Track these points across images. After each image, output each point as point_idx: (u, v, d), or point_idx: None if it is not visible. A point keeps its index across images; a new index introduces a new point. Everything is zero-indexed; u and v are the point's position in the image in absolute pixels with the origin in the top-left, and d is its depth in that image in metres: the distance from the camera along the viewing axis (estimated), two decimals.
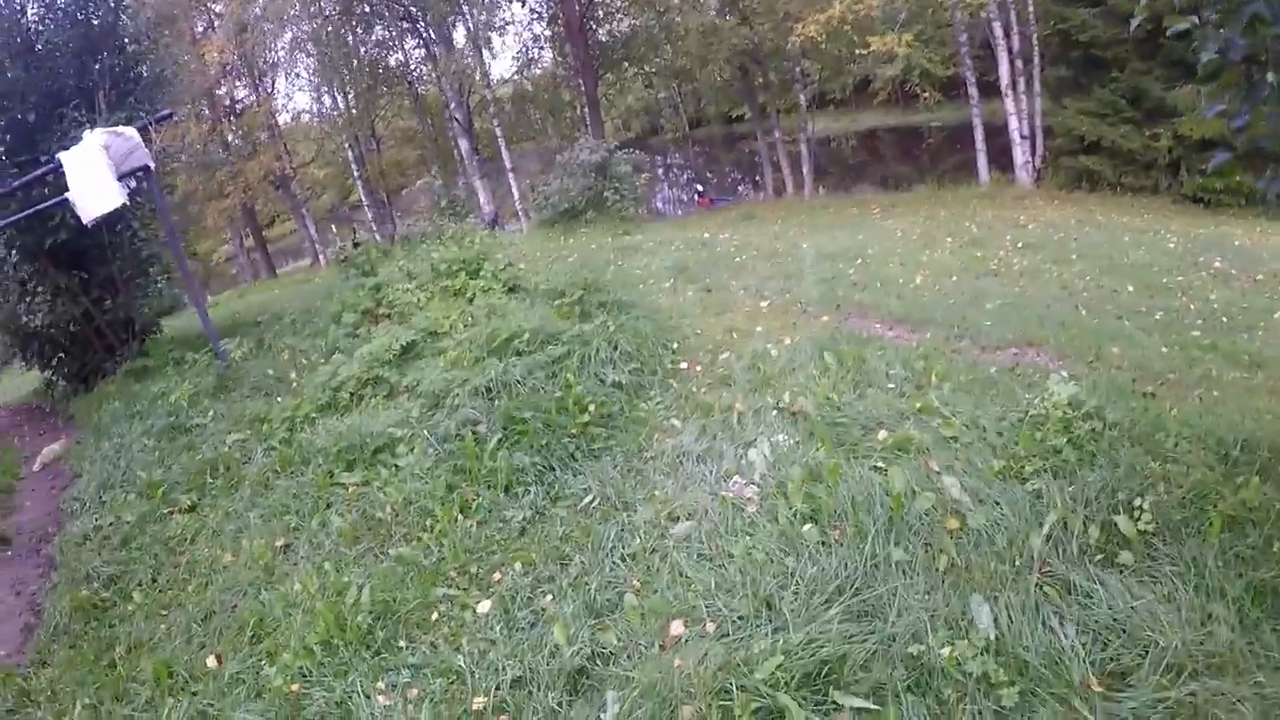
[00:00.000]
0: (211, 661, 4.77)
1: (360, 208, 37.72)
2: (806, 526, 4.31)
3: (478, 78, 28.88)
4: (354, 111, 32.10)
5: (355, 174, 34.83)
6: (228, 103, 33.81)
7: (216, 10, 32.35)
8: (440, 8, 26.70)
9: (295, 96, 44.95)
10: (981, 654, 3.33)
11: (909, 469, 4.56)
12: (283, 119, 35.52)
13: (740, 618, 3.83)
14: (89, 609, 5.88)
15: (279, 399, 8.47)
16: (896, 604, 3.70)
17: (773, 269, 11.54)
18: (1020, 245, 12.41)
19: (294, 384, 8.84)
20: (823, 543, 4.18)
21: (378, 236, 27.99)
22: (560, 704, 3.71)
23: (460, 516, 5.49)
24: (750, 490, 4.89)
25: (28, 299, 12.58)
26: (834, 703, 3.27)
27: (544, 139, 35.55)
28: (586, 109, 28.85)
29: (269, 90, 34.15)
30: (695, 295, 10.25)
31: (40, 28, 12.00)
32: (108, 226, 11.20)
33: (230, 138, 33.19)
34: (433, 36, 29.35)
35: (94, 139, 8.16)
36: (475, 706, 3.79)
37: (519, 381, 6.78)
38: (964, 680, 3.26)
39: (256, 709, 4.20)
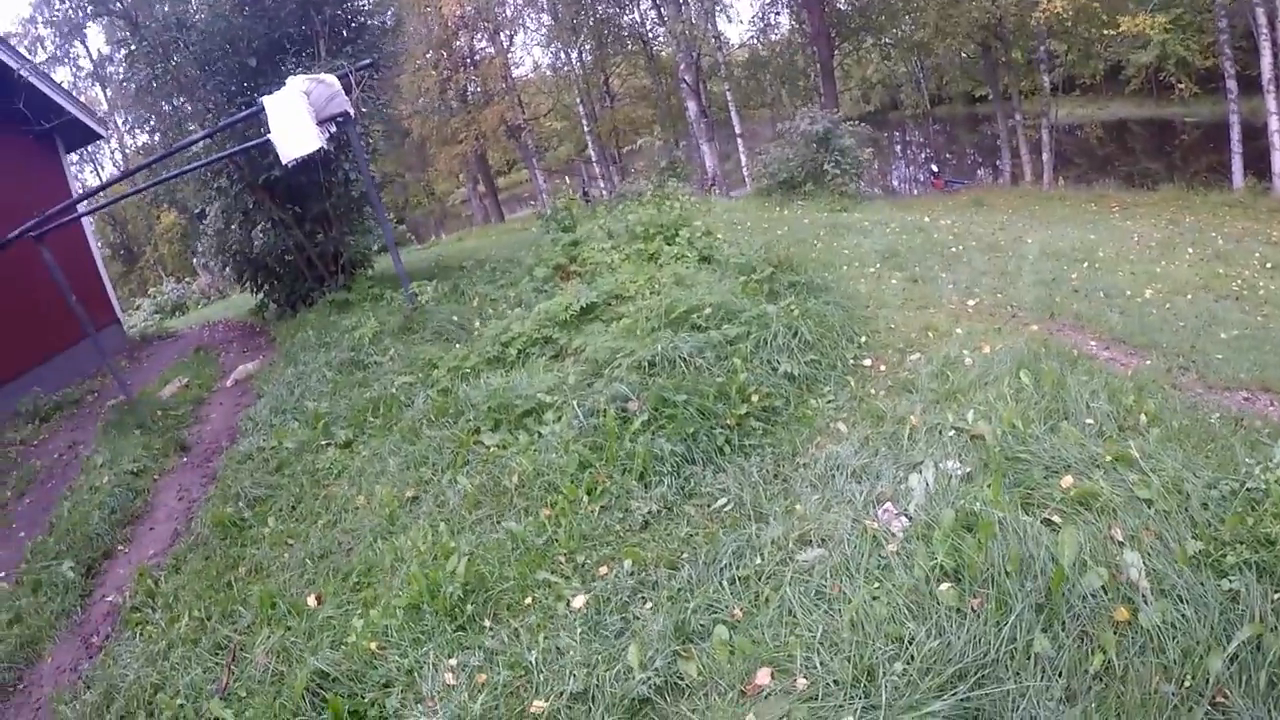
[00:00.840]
0: (312, 600, 4.90)
1: (590, 162, 38.59)
2: (944, 586, 3.65)
3: (709, 39, 28.71)
4: (587, 68, 32.73)
5: (586, 129, 35.69)
6: (466, 53, 35.29)
7: None
8: None
9: (533, 50, 46.46)
10: None
11: (1086, 533, 3.81)
12: (520, 71, 37.00)
13: (835, 682, 3.31)
14: (228, 526, 6.23)
15: (456, 345, 8.64)
16: (1022, 712, 3.05)
17: (989, 264, 10.67)
18: (1270, 266, 10.98)
19: (475, 333, 8.97)
20: (957, 610, 3.50)
21: (605, 192, 29.08)
22: None
23: (585, 498, 5.30)
24: (899, 523, 4.29)
25: (250, 227, 13.63)
26: None
27: (779, 106, 35.08)
28: (821, 78, 28.22)
29: (506, 43, 35.52)
30: (899, 284, 9.60)
31: None
32: (322, 166, 12.00)
33: (468, 87, 34.75)
34: None
35: (296, 84, 8.68)
36: (534, 709, 3.63)
37: (684, 359, 6.49)
38: None
39: (332, 658, 4.24)
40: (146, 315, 24.74)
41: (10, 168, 13.76)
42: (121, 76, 14.84)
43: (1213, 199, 18.91)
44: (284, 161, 8.78)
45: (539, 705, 3.64)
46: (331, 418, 7.62)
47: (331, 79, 9.06)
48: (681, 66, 29.11)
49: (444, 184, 43.42)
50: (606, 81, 36.05)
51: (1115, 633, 3.27)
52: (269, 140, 8.97)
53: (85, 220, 16.26)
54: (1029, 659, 3.25)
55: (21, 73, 13.08)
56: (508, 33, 35.26)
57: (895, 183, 35.17)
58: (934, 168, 33.41)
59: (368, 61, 10.92)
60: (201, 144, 11.42)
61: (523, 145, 36.10)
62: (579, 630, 4.07)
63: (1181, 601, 3.38)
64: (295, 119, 8.54)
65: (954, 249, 11.71)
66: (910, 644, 3.39)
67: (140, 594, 5.74)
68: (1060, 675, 3.18)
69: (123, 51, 13.27)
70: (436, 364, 8.14)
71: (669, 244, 9.85)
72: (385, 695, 3.99)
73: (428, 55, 30.30)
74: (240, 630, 4.88)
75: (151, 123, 14.59)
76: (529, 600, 4.48)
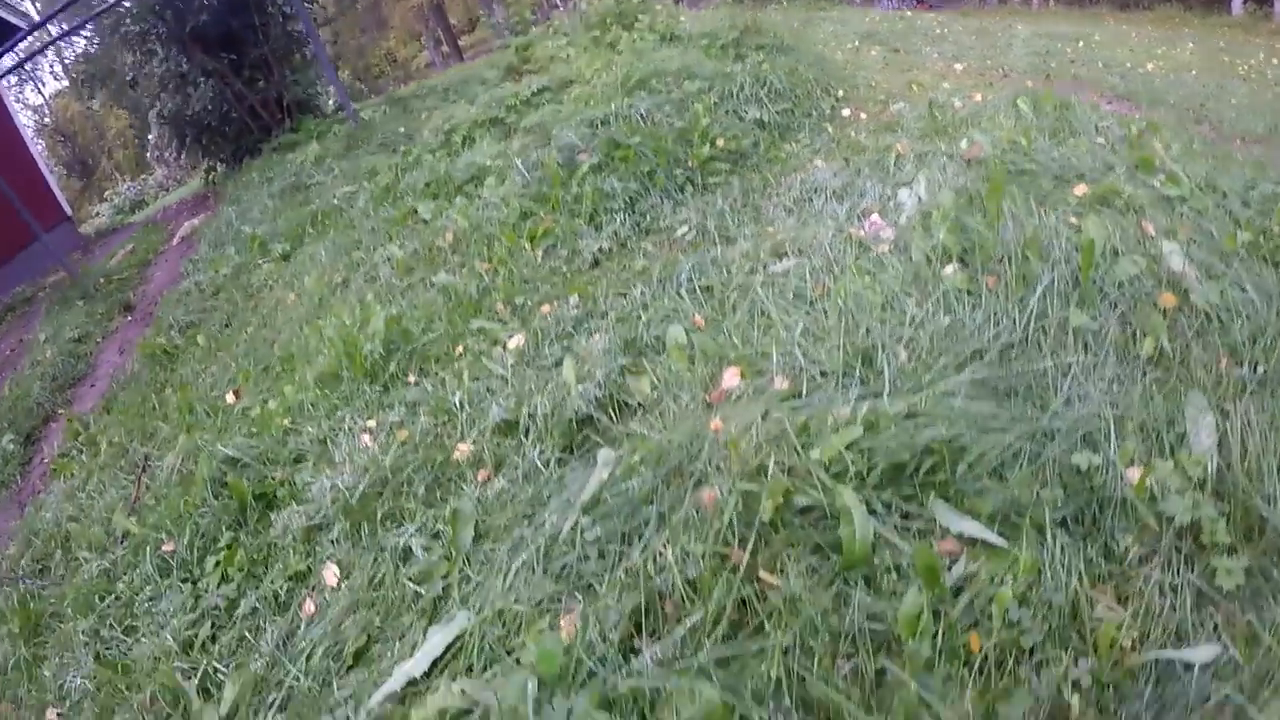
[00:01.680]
0: (230, 398, 4.34)
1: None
2: (949, 268, 2.98)
3: None
4: None
5: None
6: None
7: None
8: None
9: None
10: (1194, 489, 2.03)
11: (1113, 225, 3.02)
12: None
13: (823, 373, 2.67)
14: (158, 356, 5.70)
15: (397, 154, 7.94)
16: (1065, 389, 2.41)
17: (978, 41, 10.09)
18: (1278, 62, 10.06)
19: (416, 140, 8.26)
20: (968, 291, 2.86)
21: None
22: (548, 461, 2.88)
23: (528, 245, 4.68)
24: (888, 232, 3.51)
25: (186, 88, 12.65)
26: (930, 519, 2.07)
27: None
28: None
29: None
30: (879, 55, 9.01)
31: None
32: (256, 8, 11.04)
33: None
34: None
35: None
36: (457, 455, 3.06)
37: (641, 116, 5.84)
38: (1157, 526, 1.99)
39: (242, 445, 3.67)
40: (106, 217, 23.99)
41: None
42: None
43: (1211, 20, 17.88)
44: None
45: (463, 449, 3.08)
46: (268, 236, 7.01)
47: None
48: None
49: (405, 49, 41.49)
50: None
51: (1165, 317, 2.64)
52: None
53: (20, 124, 15.45)
54: (1068, 335, 2.61)
55: None
56: None
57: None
58: None
59: None
60: None
61: None
62: (510, 366, 3.49)
63: (1239, 289, 2.73)
64: None
65: (939, 31, 11.07)
66: (914, 325, 2.76)
67: (68, 441, 5.24)
68: (1109, 354, 2.55)
69: None
70: (377, 170, 7.46)
71: (626, 30, 9.06)
72: (296, 471, 3.43)
73: None
74: (158, 445, 4.35)
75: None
76: (460, 349, 3.87)
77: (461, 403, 3.31)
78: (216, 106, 12.44)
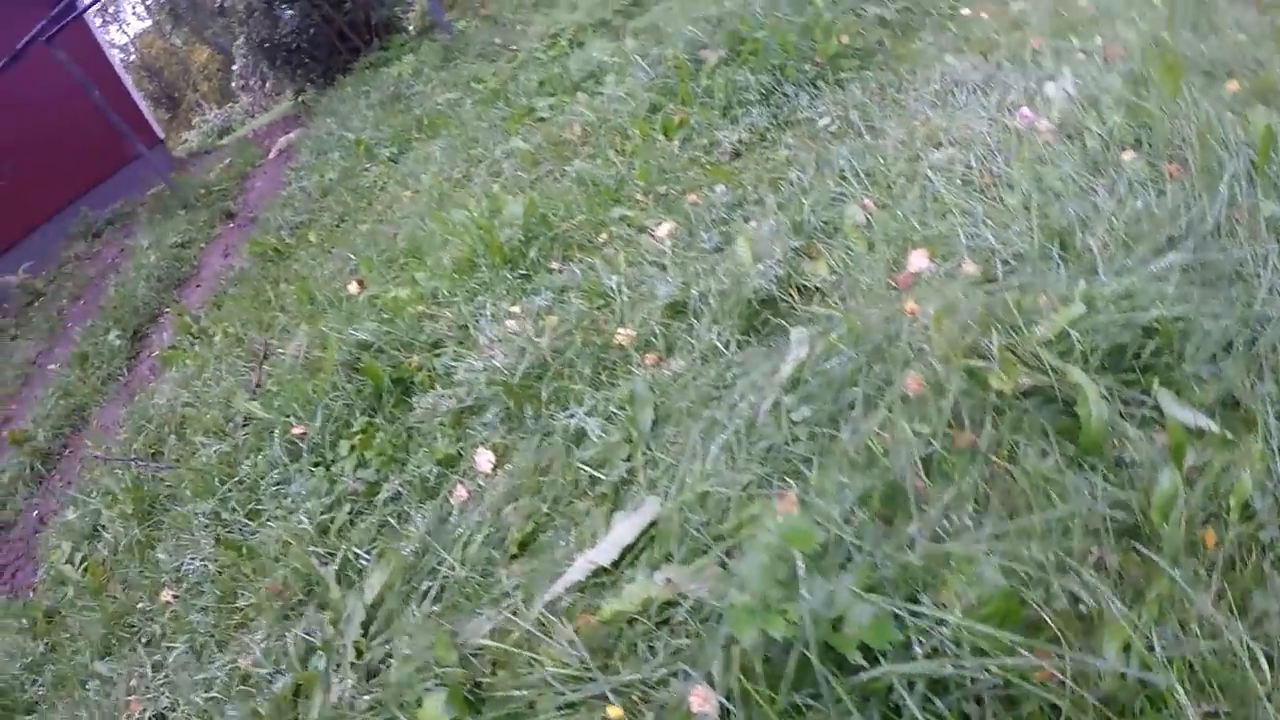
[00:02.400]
0: (353, 287, 4.10)
1: None
2: (1128, 154, 2.65)
3: None
4: None
5: None
6: None
7: None
8: None
9: None
10: None
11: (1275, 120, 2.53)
12: None
13: (1017, 256, 2.39)
14: (269, 253, 5.52)
15: (500, 62, 7.66)
16: (1268, 278, 2.07)
17: None
18: None
19: (515, 48, 7.95)
20: (1151, 180, 2.52)
21: None
22: (728, 342, 2.57)
23: (662, 137, 4.35)
24: (1044, 124, 3.13)
25: (272, 15, 12.58)
26: (1154, 406, 1.79)
27: None
28: None
29: None
30: None
31: None
32: None
33: None
34: None
35: None
36: (619, 339, 2.79)
37: (756, 11, 5.42)
38: None
39: (374, 329, 3.43)
40: (196, 142, 24.21)
41: None
42: None
43: None
44: None
45: (625, 333, 2.79)
46: (373, 141, 6.76)
47: None
48: None
49: None
50: None
51: None
52: None
53: (112, 56, 15.51)
54: (1260, 224, 2.24)
55: None
56: None
57: None
58: None
59: None
60: None
61: None
62: (669, 249, 3.17)
63: None
64: None
65: None
66: (1104, 214, 2.41)
67: (179, 333, 5.10)
68: None
69: None
70: (480, 77, 7.17)
71: None
72: (435, 356, 3.17)
73: None
74: (276, 334, 4.16)
75: None
76: (603, 237, 3.58)
77: (618, 286, 3.01)
78: (304, 30, 12.31)
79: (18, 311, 9.25)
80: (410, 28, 13.30)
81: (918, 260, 2.50)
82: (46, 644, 3.29)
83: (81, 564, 3.53)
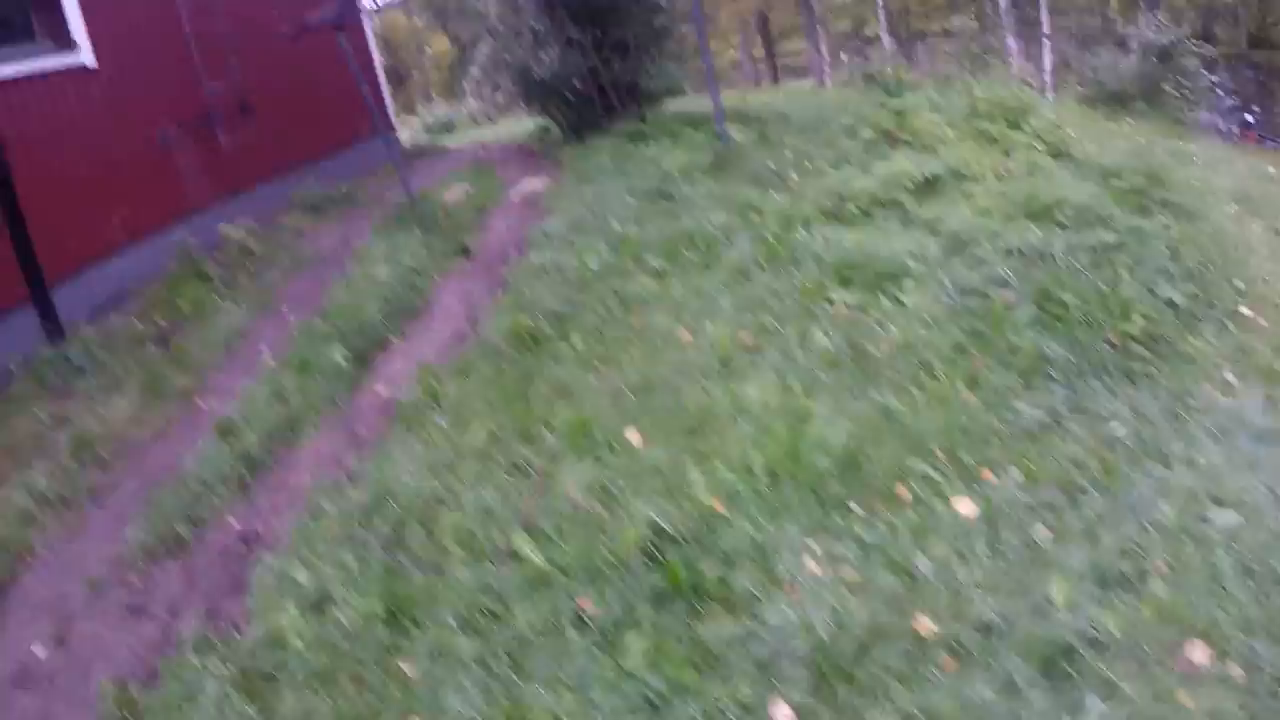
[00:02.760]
0: (634, 437, 4.23)
1: (873, 42, 36.02)
2: None
3: None
4: None
5: (879, 3, 33.23)
6: None
7: None
8: None
9: None
10: None
11: None
12: None
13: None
14: (524, 337, 5.70)
15: (774, 193, 7.84)
16: None
17: None
18: None
19: (792, 184, 8.17)
20: None
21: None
22: (1027, 681, 2.68)
23: (963, 387, 4.49)
24: None
25: (539, 50, 13.12)
26: None
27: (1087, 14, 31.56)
28: None
29: None
30: (1262, 233, 8.25)
31: None
32: None
33: None
34: None
35: None
36: (920, 629, 2.90)
37: (1058, 258, 5.79)
38: None
39: (664, 508, 3.55)
40: (415, 132, 25.25)
41: None
42: None
43: None
44: None
45: (927, 625, 2.92)
46: (640, 243, 6.97)
47: None
48: None
49: (715, 41, 42.21)
50: None
51: None
52: None
53: (369, 29, 16.48)
54: None
55: None
56: None
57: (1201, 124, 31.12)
58: (1248, 118, 29.18)
59: None
60: None
61: (809, 9, 34.48)
62: (977, 543, 3.33)
63: None
64: None
65: None
66: None
67: (421, 393, 5.30)
68: None
69: None
70: (757, 208, 7.38)
71: (1012, 129, 8.91)
72: (730, 570, 3.25)
73: None
74: (540, 452, 4.32)
75: None
76: (903, 491, 3.70)
77: (926, 570, 3.12)
78: (565, 74, 12.81)
79: (229, 267, 9.73)
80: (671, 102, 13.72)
81: (1196, 651, 2.70)
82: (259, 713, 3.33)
83: (309, 636, 3.58)
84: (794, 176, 8.49)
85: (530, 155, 13.51)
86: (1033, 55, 27.37)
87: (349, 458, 5.00)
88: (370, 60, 15.95)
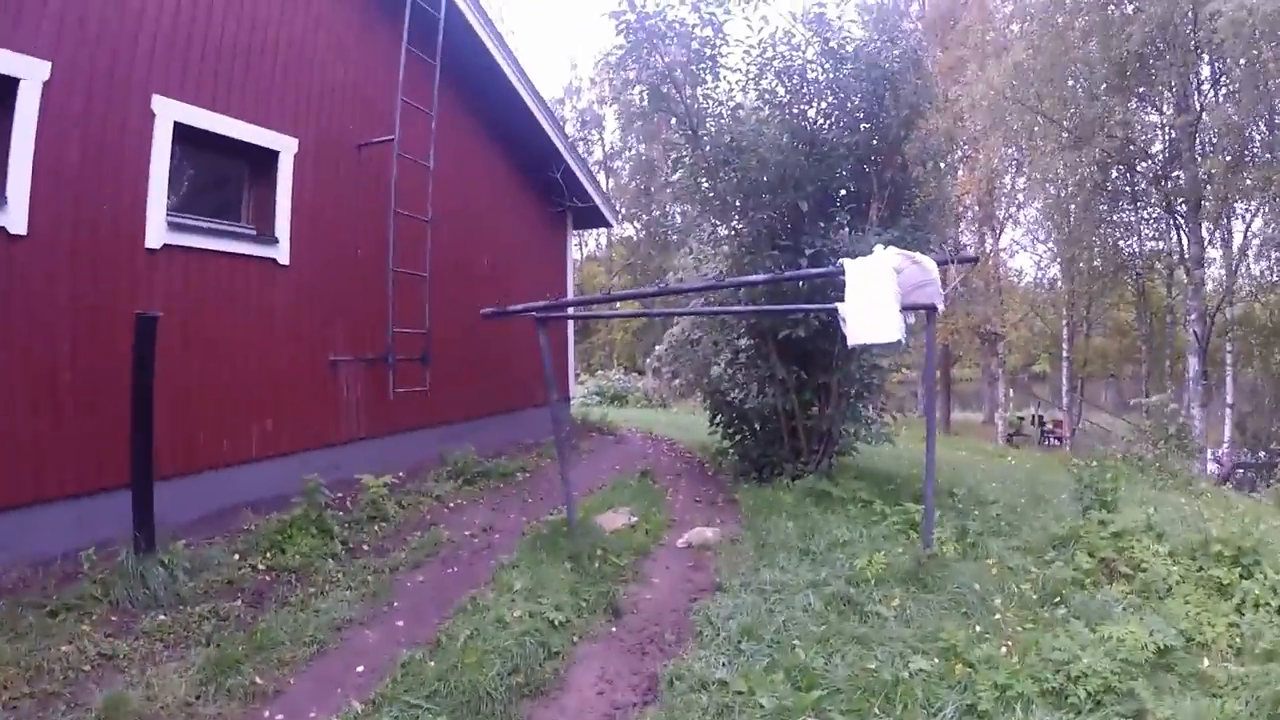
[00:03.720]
0: None
1: (1040, 379, 37.42)
2: None
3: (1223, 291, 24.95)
4: (1075, 289, 30.17)
5: (1064, 353, 32.63)
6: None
7: (966, 149, 31.87)
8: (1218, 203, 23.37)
9: (1017, 255, 42.62)
10: None
11: None
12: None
13: None
14: None
15: (982, 634, 6.48)
16: None
17: None
18: None
19: (1003, 621, 6.82)
20: None
21: (1061, 413, 30.33)
22: None
23: None
24: None
25: (736, 370, 12.76)
26: None
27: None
28: None
29: (996, 241, 33.66)
30: None
31: (825, 123, 12.10)
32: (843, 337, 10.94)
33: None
34: (1188, 234, 25.68)
35: (887, 258, 7.07)
36: None
37: None
38: None
39: None
40: (587, 394, 25.21)
41: (528, 236, 15.01)
42: (673, 179, 14.88)
43: None
44: (850, 343, 7.33)
45: None
46: (823, 681, 5.67)
47: (929, 263, 7.29)
48: (1193, 316, 24.99)
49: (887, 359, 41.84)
50: (1088, 306, 32.74)
51: None
52: (832, 309, 7.78)
53: (569, 277, 16.63)
54: None
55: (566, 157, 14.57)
56: (1000, 230, 33.80)
57: None
58: None
59: (972, 256, 9.13)
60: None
61: (994, 351, 33.92)
62: None
63: None
64: (878, 297, 7.00)
65: None
66: None
67: None
68: None
69: (672, 156, 12.91)
70: (964, 655, 6.02)
71: (1245, 576, 7.48)
72: None
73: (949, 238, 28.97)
74: None
75: (643, 220, 15.36)
76: None
77: None
78: (763, 409, 12.04)
79: (354, 525, 8.91)
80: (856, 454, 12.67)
81: None
82: None
83: None
84: (998, 604, 7.19)
85: (704, 475, 12.63)
86: (1213, 421, 25.57)
87: None
88: (565, 342, 15.86)
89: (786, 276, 8.62)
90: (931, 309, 7.49)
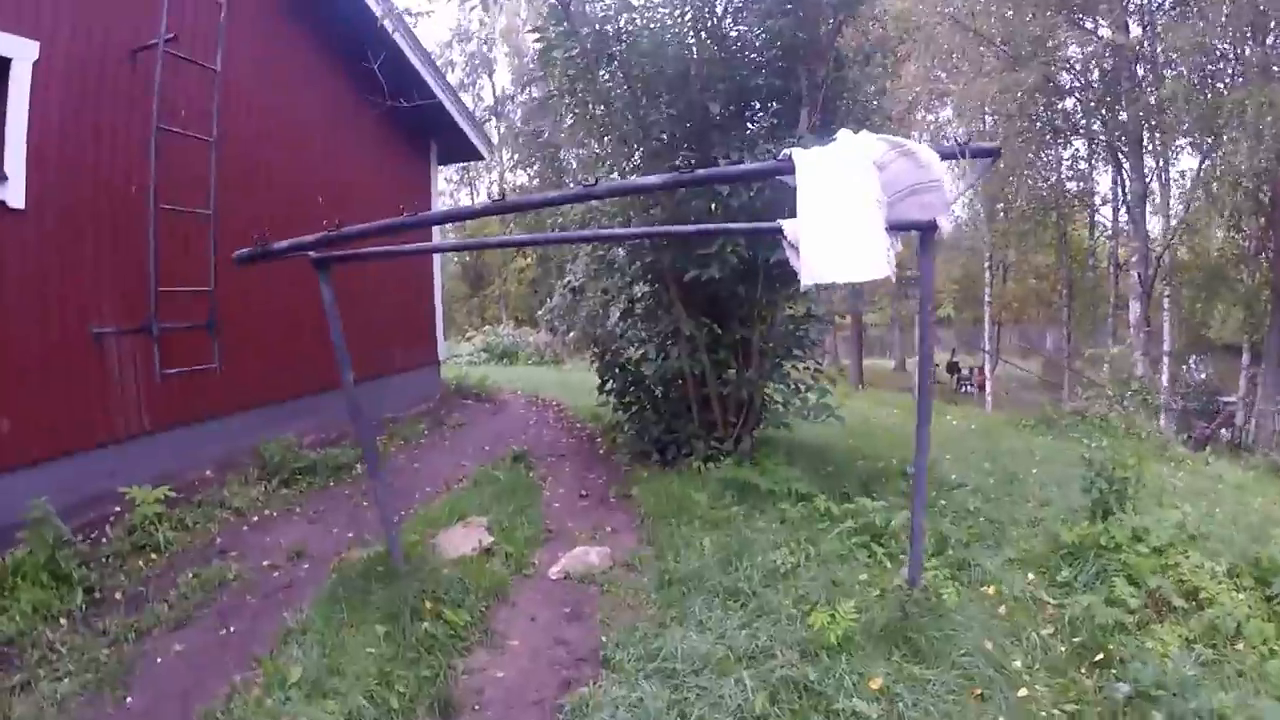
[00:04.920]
0: None
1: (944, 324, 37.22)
2: None
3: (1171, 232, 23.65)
4: (1006, 229, 28.79)
5: (985, 297, 30.85)
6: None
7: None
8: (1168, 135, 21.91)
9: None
10: None
11: None
12: None
13: None
14: None
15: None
16: None
17: None
18: None
19: (1024, 688, 4.67)
20: None
21: (985, 359, 30.39)
22: None
23: None
24: None
25: (632, 323, 10.33)
26: None
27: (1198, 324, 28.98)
28: (1272, 302, 22.34)
29: None
30: None
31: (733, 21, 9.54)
32: (765, 282, 8.72)
33: None
34: (1129, 170, 24.06)
35: (864, 145, 4.18)
36: None
37: None
38: None
39: None
40: (474, 351, 22.95)
41: (381, 172, 12.27)
42: (540, 78, 12.07)
43: None
44: (805, 282, 4.41)
45: None
46: None
47: (927, 154, 4.50)
48: (1134, 258, 23.53)
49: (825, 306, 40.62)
50: (1009, 249, 31.73)
51: None
52: (773, 229, 5.35)
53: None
54: None
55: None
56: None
57: None
58: None
59: (993, 147, 5.72)
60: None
61: (902, 295, 33.43)
62: None
63: None
64: (849, 210, 4.02)
65: None
66: None
67: None
68: None
69: (538, 44, 9.81)
70: None
71: None
72: None
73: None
74: None
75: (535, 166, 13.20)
76: None
77: None
78: (667, 374, 9.62)
79: (106, 564, 6.29)
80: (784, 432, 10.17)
81: None
82: None
83: None
84: (1017, 665, 4.95)
85: (594, 460, 10.11)
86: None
87: None
88: (431, 284, 13.41)
89: (697, 177, 5.34)
90: (931, 228, 4.81)
